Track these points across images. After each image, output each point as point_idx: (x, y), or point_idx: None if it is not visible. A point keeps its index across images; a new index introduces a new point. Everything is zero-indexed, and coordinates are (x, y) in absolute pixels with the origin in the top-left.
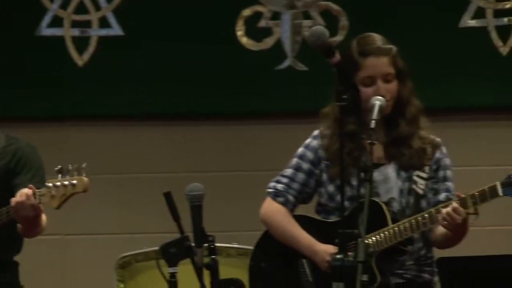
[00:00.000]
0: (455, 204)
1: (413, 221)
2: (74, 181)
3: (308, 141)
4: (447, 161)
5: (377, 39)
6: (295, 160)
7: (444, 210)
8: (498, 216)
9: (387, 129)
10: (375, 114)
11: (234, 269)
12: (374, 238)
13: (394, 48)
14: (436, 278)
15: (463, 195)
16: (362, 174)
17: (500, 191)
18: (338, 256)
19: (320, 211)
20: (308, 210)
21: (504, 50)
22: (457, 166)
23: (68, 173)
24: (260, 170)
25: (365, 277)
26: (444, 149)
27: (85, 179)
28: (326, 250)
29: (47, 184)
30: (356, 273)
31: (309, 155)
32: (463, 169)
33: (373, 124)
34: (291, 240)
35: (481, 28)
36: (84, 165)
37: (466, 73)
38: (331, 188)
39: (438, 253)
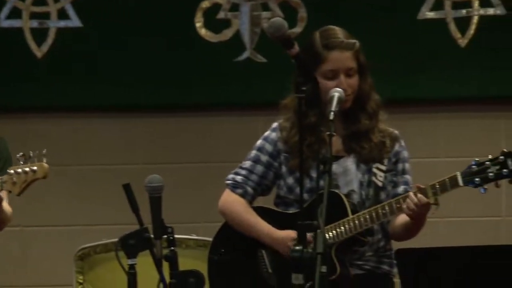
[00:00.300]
0: (419, 194)
1: (373, 212)
2: (35, 168)
3: (267, 133)
4: (405, 154)
5: (340, 32)
6: (254, 153)
7: (411, 200)
8: (456, 207)
9: (347, 122)
10: (333, 105)
11: (193, 261)
12: (334, 230)
13: (357, 43)
14: (395, 270)
15: (423, 186)
16: (321, 166)
17: (460, 181)
18: (297, 248)
19: (279, 203)
20: (267, 202)
21: (462, 42)
22: (416, 158)
23: (29, 160)
24: (219, 161)
25: (324, 269)
26: (402, 142)
27: (46, 165)
28: (287, 235)
29: (8, 171)
30: (315, 265)
31: (268, 147)
32: (422, 161)
33: (331, 115)
34: (250, 229)
35: (440, 20)
36: (44, 151)
37: (424, 65)
38: (290, 180)
39: (396, 244)
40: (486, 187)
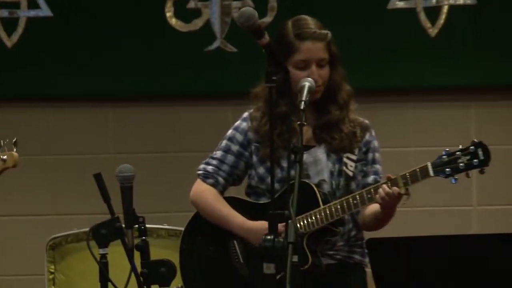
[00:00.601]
0: (391, 185)
1: (344, 202)
2: (4, 157)
3: (237, 123)
4: (376, 143)
5: (312, 23)
6: (224, 142)
7: (383, 190)
8: (426, 197)
9: (317, 113)
10: (304, 95)
11: (165, 250)
12: (305, 220)
13: (329, 33)
14: (367, 259)
15: (394, 176)
16: (292, 156)
17: (431, 171)
18: (268, 237)
19: (250, 193)
20: (239, 192)
21: (432, 32)
22: (387, 147)
23: None
24: (190, 151)
25: (295, 258)
26: (373, 132)
27: (15, 154)
28: (260, 226)
29: None
30: (287, 254)
31: (239, 137)
32: (393, 150)
33: (302, 105)
34: (222, 220)
35: (410, 10)
36: (14, 140)
37: (395, 55)
38: (261, 170)
39: (367, 234)
40: (456, 177)
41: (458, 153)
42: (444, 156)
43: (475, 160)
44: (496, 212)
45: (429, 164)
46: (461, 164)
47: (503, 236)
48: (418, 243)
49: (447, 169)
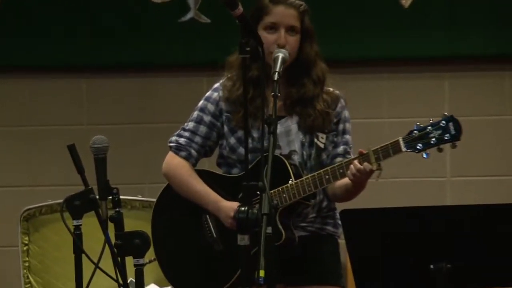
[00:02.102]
0: (364, 162)
1: (316, 177)
2: None
3: (209, 93)
4: (346, 114)
5: None
6: (196, 113)
7: (354, 166)
8: (400, 168)
9: (289, 84)
10: (278, 66)
11: (139, 222)
12: (277, 196)
13: (305, 5)
14: (340, 230)
15: (365, 151)
16: (266, 127)
17: (403, 147)
18: (242, 209)
19: (222, 163)
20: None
21: (406, 3)
22: (360, 119)
23: None
24: (164, 122)
25: (269, 230)
26: (343, 102)
27: None
28: (231, 206)
29: None
30: (261, 225)
31: (210, 107)
32: (366, 121)
33: (276, 76)
34: (195, 196)
35: None
36: None
37: (368, 26)
38: (232, 140)
39: (340, 205)
40: (428, 152)
41: (429, 127)
42: (415, 131)
43: (447, 135)
44: (471, 183)
45: (400, 139)
46: (433, 139)
47: (476, 207)
48: (391, 214)
49: (419, 145)
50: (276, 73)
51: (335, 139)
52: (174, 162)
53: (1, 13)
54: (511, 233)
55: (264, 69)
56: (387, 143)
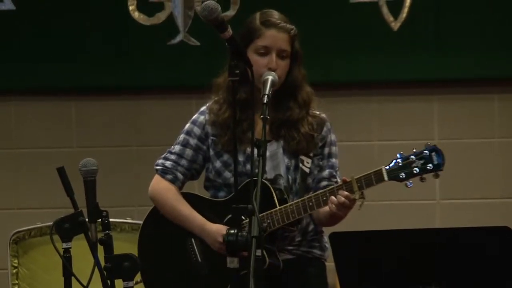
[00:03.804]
0: (345, 193)
1: (300, 204)
2: None
3: (195, 116)
4: (332, 137)
5: (280, 16)
6: (182, 136)
7: (334, 199)
8: (389, 191)
9: (276, 108)
10: (267, 89)
11: (128, 244)
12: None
13: (295, 29)
14: (326, 253)
15: (348, 179)
16: (256, 150)
17: (385, 176)
18: (231, 231)
19: (209, 186)
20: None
21: (395, 25)
22: (350, 142)
23: None
24: (153, 145)
25: (259, 252)
26: (329, 125)
27: None
28: (218, 230)
29: None
30: (250, 248)
31: (196, 130)
32: (356, 144)
33: (265, 99)
34: (181, 219)
35: (372, 3)
36: None
37: (358, 48)
38: (217, 164)
39: (329, 228)
40: (411, 181)
41: (411, 157)
42: (398, 160)
43: (429, 165)
44: (460, 206)
45: (383, 169)
46: (416, 169)
47: (464, 230)
48: (381, 237)
49: (402, 174)
50: (266, 96)
51: (321, 162)
52: (160, 186)
53: None
54: (500, 256)
55: (253, 91)
56: (370, 172)
